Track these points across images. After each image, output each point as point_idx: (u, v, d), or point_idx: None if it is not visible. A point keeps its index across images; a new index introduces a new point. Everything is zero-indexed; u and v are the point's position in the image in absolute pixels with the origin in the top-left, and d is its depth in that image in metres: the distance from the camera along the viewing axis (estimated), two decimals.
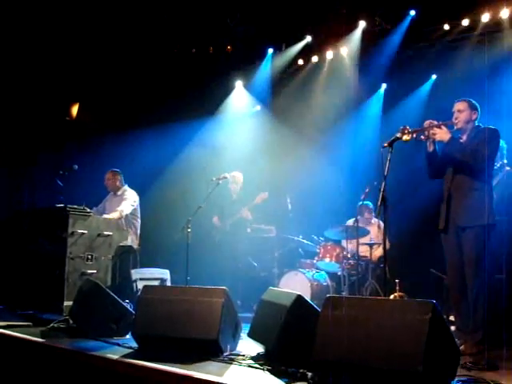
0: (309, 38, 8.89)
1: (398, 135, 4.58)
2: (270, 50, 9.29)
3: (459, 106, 4.85)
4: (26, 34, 8.10)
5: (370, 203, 7.50)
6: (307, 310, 3.88)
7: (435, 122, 4.80)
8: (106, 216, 6.78)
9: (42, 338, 4.64)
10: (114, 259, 6.48)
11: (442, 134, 4.71)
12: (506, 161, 5.90)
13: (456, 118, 4.83)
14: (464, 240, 4.69)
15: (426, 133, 4.78)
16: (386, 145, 4.46)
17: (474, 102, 4.87)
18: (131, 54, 8.93)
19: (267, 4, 8.41)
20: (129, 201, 7.26)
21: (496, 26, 7.54)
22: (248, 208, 7.83)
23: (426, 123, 4.82)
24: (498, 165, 5.76)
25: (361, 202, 7.19)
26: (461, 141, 4.83)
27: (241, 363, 3.82)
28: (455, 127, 4.82)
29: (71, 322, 5.21)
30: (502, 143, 5.78)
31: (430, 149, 4.86)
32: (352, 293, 6.94)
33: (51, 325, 5.18)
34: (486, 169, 4.71)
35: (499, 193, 5.69)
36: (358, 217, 7.07)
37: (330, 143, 8.70)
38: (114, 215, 6.83)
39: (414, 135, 4.68)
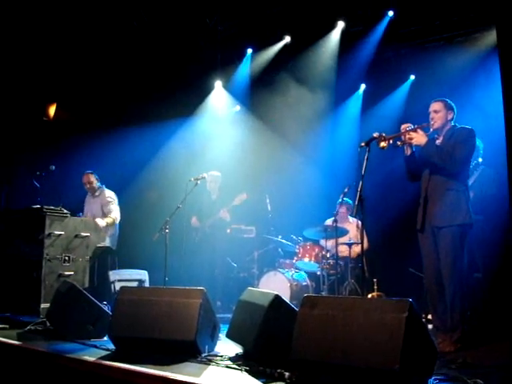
0: (288, 38, 8.90)
1: (375, 135, 4.59)
2: (250, 50, 9.28)
3: (435, 106, 4.88)
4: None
5: (349, 200, 7.51)
6: (285, 309, 3.87)
7: (411, 126, 4.80)
8: (99, 220, 6.84)
9: (18, 340, 4.59)
10: (92, 260, 6.44)
11: (419, 138, 4.73)
12: (481, 159, 5.96)
13: (432, 119, 4.86)
14: (440, 240, 4.72)
15: (403, 138, 4.78)
16: (362, 144, 4.47)
17: (449, 101, 4.90)
18: (109, 54, 8.85)
19: (246, 4, 8.39)
20: (115, 205, 7.33)
21: (474, 27, 7.63)
22: (227, 209, 7.77)
23: (403, 128, 4.82)
24: (474, 163, 5.81)
25: (340, 200, 7.18)
26: (437, 142, 4.86)
27: (219, 364, 3.79)
28: (431, 129, 4.85)
29: (48, 324, 5.17)
30: (478, 142, 5.83)
31: (408, 152, 4.89)
32: (331, 292, 6.94)
33: (28, 327, 5.13)
34: (462, 169, 4.75)
35: (476, 192, 5.75)
36: (337, 216, 7.07)
37: (310, 143, 8.74)
38: (108, 221, 6.99)
39: (391, 141, 4.68)
